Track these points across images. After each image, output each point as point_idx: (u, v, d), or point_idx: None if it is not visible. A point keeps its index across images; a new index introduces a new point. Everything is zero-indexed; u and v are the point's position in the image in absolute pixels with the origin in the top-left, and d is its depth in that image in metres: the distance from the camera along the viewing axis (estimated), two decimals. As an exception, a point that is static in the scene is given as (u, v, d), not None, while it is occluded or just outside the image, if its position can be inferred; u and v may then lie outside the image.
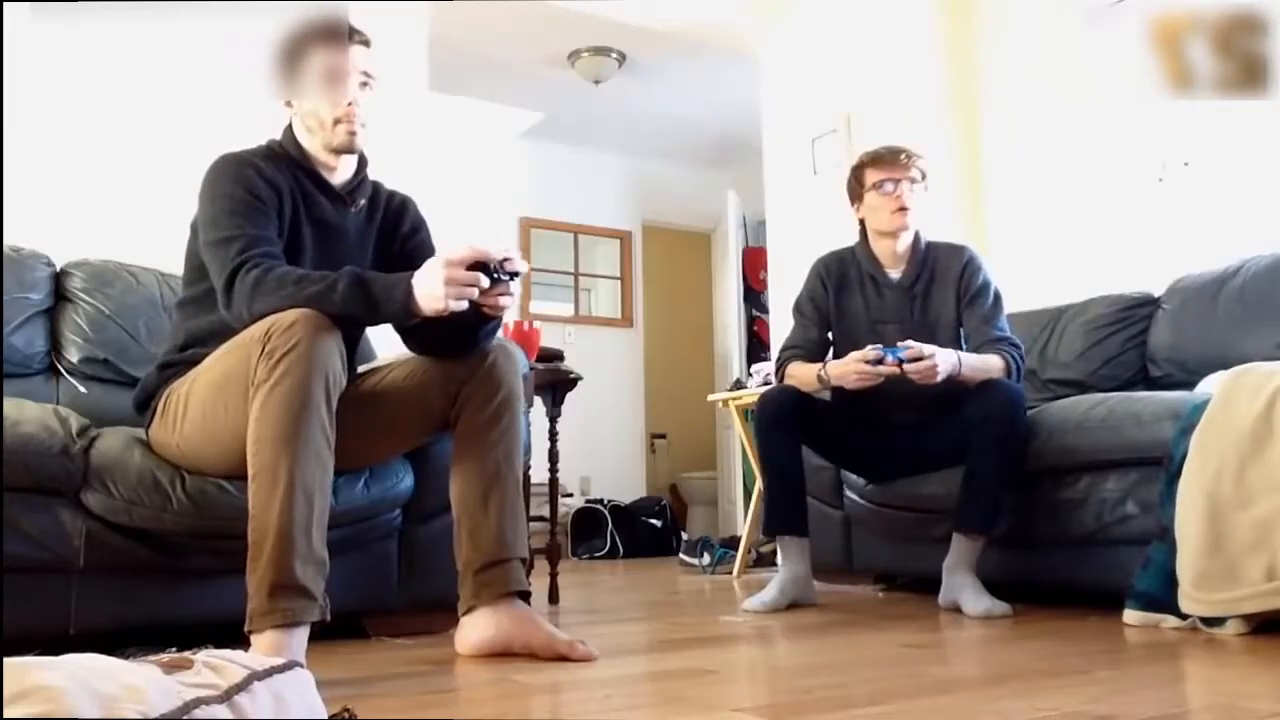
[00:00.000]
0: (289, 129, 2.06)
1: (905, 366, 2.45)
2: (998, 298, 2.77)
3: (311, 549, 1.65)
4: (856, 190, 2.85)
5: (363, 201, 2.12)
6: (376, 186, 2.19)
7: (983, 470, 2.49)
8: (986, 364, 2.61)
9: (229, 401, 1.80)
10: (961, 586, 2.44)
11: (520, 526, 1.97)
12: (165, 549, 1.97)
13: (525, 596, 1.92)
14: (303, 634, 1.62)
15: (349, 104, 1.98)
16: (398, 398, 2.02)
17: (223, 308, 1.88)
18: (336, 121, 1.99)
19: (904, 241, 2.81)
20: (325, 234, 2.05)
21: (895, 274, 2.82)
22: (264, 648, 1.58)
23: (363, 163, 2.13)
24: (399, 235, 2.18)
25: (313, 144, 2.03)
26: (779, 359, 2.90)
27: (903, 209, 2.75)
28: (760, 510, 4.20)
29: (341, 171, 2.08)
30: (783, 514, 2.70)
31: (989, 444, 2.48)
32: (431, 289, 1.74)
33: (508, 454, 1.97)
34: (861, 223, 2.88)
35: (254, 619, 1.60)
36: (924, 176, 2.82)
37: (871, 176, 2.80)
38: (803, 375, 2.75)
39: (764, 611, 2.57)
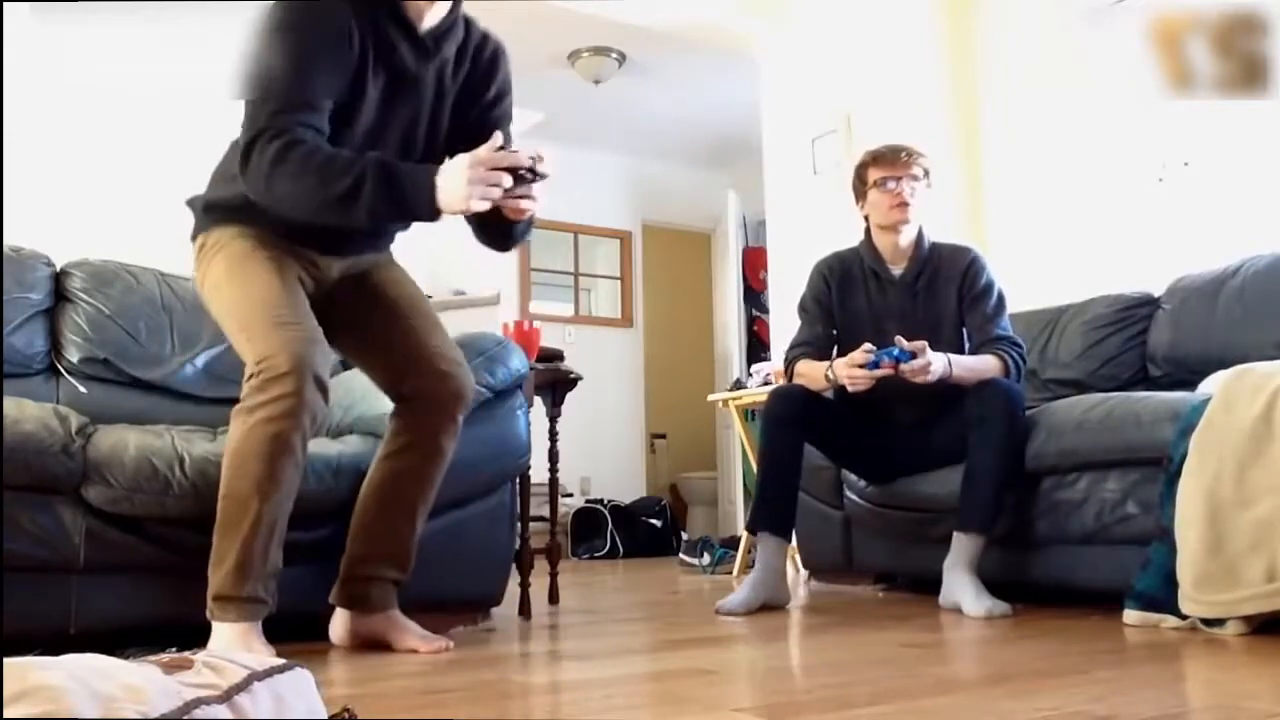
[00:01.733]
0: None
1: (900, 366, 2.47)
2: (1001, 298, 2.77)
3: (267, 567, 1.79)
4: (860, 188, 2.88)
5: (451, 50, 1.95)
6: (470, 29, 2.00)
7: (982, 470, 2.50)
8: (982, 364, 2.62)
9: (233, 337, 1.88)
10: (962, 587, 2.44)
11: (410, 548, 2.02)
12: (167, 544, 1.97)
13: (397, 582, 2.03)
14: (254, 634, 1.78)
15: None
16: (392, 314, 2.05)
17: (239, 170, 1.78)
18: None
19: (906, 237, 2.82)
20: (398, 86, 1.90)
21: (897, 270, 2.83)
22: (223, 636, 1.74)
23: (457, 5, 1.94)
24: (483, 100, 2.03)
25: None
26: (787, 357, 2.90)
27: (903, 204, 2.77)
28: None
29: (433, 14, 1.89)
30: (770, 511, 2.67)
31: (988, 443, 2.48)
32: (455, 188, 1.69)
33: (416, 479, 2.01)
34: (866, 220, 2.89)
35: (212, 613, 1.77)
36: (926, 174, 2.83)
37: (874, 174, 2.82)
38: (811, 373, 2.75)
39: (739, 614, 2.50)
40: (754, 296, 6.58)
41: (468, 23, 2.00)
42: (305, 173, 1.71)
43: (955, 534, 2.51)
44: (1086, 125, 3.71)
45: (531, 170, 1.74)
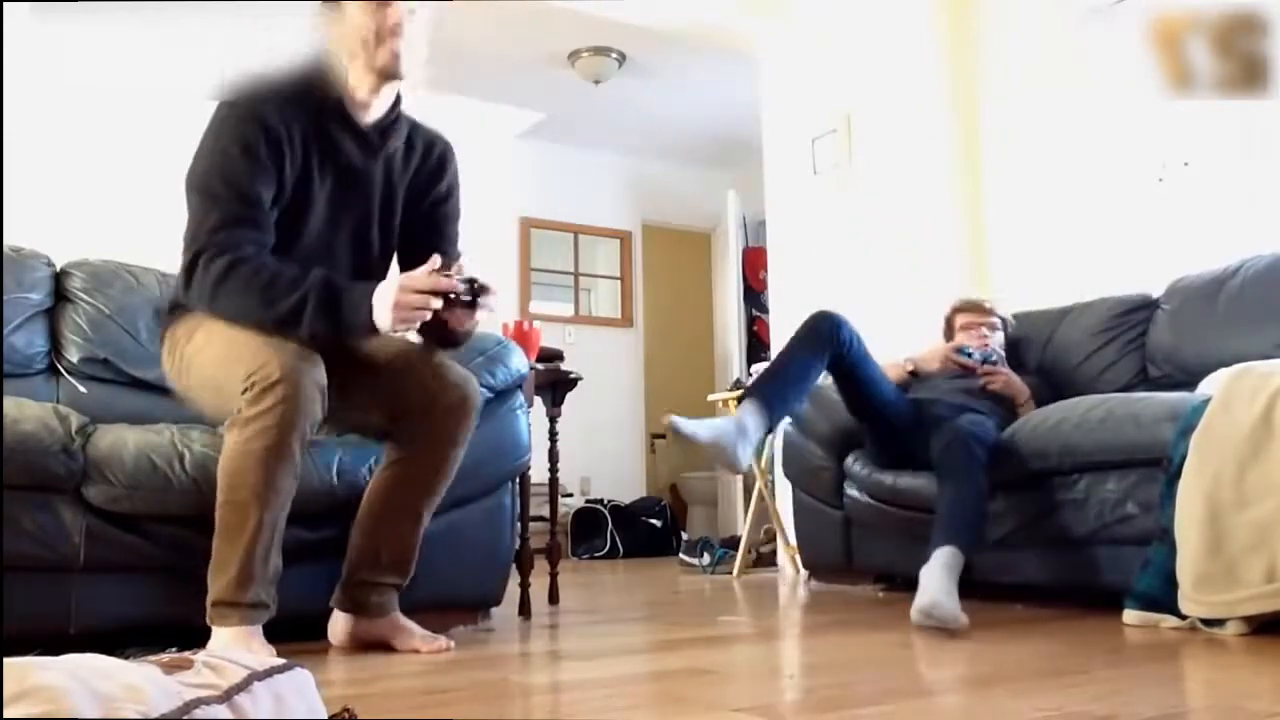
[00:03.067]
0: (317, 60, 1.89)
1: (983, 367, 2.92)
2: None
3: (268, 571, 1.79)
4: (949, 331, 3.27)
5: (397, 145, 1.97)
6: (414, 128, 2.02)
7: (945, 498, 2.46)
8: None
9: (221, 388, 1.82)
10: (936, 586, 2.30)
11: (412, 554, 2.02)
12: (167, 543, 1.97)
13: (398, 586, 2.03)
14: (257, 639, 1.78)
15: (395, 21, 1.82)
16: (384, 372, 2.01)
17: (181, 288, 1.82)
18: (380, 39, 1.81)
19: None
20: (346, 182, 1.93)
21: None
22: (223, 639, 1.73)
23: (399, 101, 1.96)
24: (432, 195, 2.05)
25: (351, 70, 1.86)
26: None
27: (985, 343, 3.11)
28: (757, 509, 4.21)
29: (376, 108, 1.91)
30: (766, 382, 2.57)
31: (946, 477, 2.49)
32: (382, 311, 1.74)
33: (414, 494, 2.00)
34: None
35: (213, 620, 1.76)
36: (1003, 322, 3.23)
37: (960, 320, 3.23)
38: (887, 363, 2.97)
39: (683, 432, 2.40)
40: (754, 296, 6.58)
41: (413, 124, 2.04)
42: (248, 292, 1.76)
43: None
44: (1086, 125, 3.71)
45: (472, 293, 1.77)
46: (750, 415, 2.46)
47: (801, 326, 2.68)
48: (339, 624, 2.02)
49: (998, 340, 3.18)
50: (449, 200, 2.09)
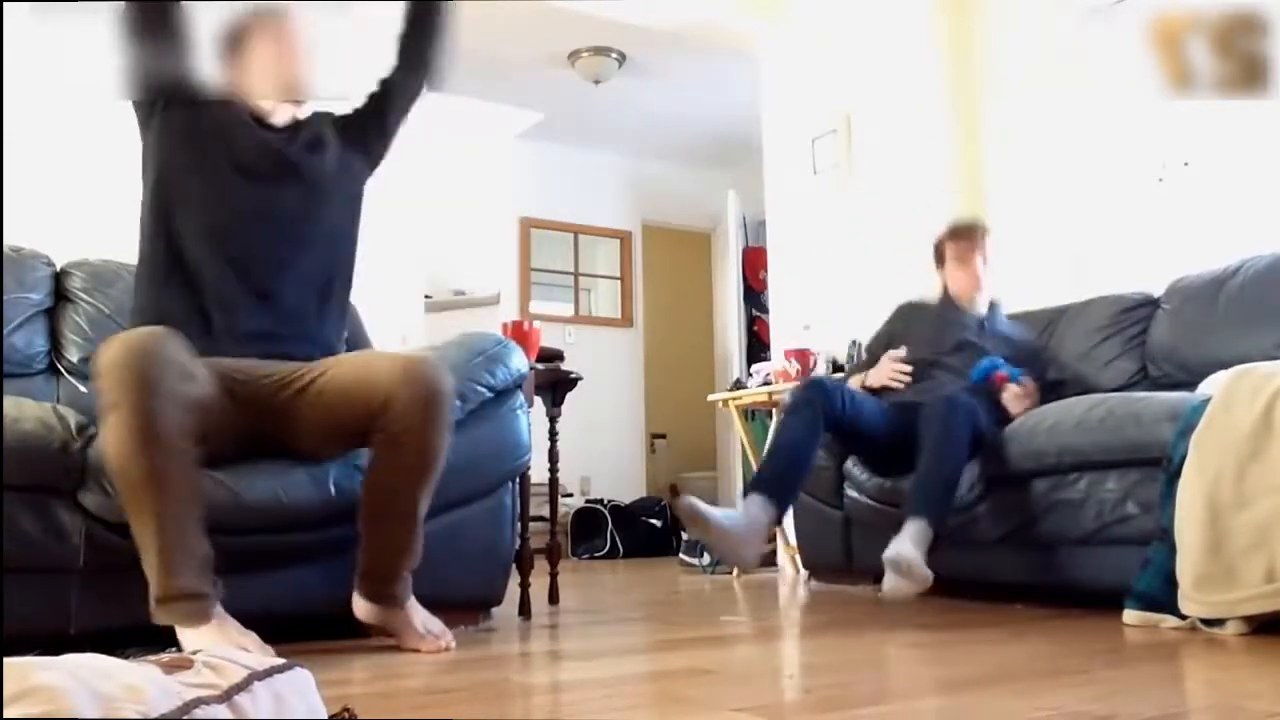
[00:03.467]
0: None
1: (1012, 382, 2.82)
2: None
3: (193, 559, 1.71)
4: (939, 260, 3.18)
5: (309, 136, 2.16)
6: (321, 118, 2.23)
7: (919, 469, 2.59)
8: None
9: None
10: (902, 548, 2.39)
11: (408, 547, 1.99)
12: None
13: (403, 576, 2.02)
14: (220, 620, 1.72)
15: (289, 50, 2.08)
16: (341, 393, 1.98)
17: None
18: (279, 71, 2.06)
19: (981, 304, 3.11)
20: (271, 171, 2.11)
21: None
22: (193, 640, 1.68)
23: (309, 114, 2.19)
24: (350, 132, 2.25)
25: (262, 99, 2.09)
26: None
27: (978, 282, 3.08)
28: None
29: (282, 113, 2.15)
30: (768, 474, 2.60)
31: (924, 448, 2.59)
32: None
33: (402, 483, 1.96)
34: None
35: (157, 617, 1.71)
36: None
37: (951, 250, 3.14)
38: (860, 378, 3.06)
39: (698, 517, 2.40)
40: (754, 296, 6.57)
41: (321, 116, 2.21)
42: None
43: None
44: (1086, 125, 3.71)
45: None
46: (759, 509, 2.51)
47: (792, 403, 2.75)
48: (360, 604, 2.03)
49: (991, 268, 3.08)
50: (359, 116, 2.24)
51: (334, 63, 2.12)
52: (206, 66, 2.06)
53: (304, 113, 2.15)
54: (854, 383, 3.04)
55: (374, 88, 2.23)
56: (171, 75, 2.00)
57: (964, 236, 3.14)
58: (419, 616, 2.02)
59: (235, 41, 2.08)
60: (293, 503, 2.03)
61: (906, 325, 3.17)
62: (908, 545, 2.40)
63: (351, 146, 2.21)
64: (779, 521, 2.71)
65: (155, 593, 1.71)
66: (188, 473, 1.72)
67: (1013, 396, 2.79)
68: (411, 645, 1.98)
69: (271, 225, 2.08)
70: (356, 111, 2.24)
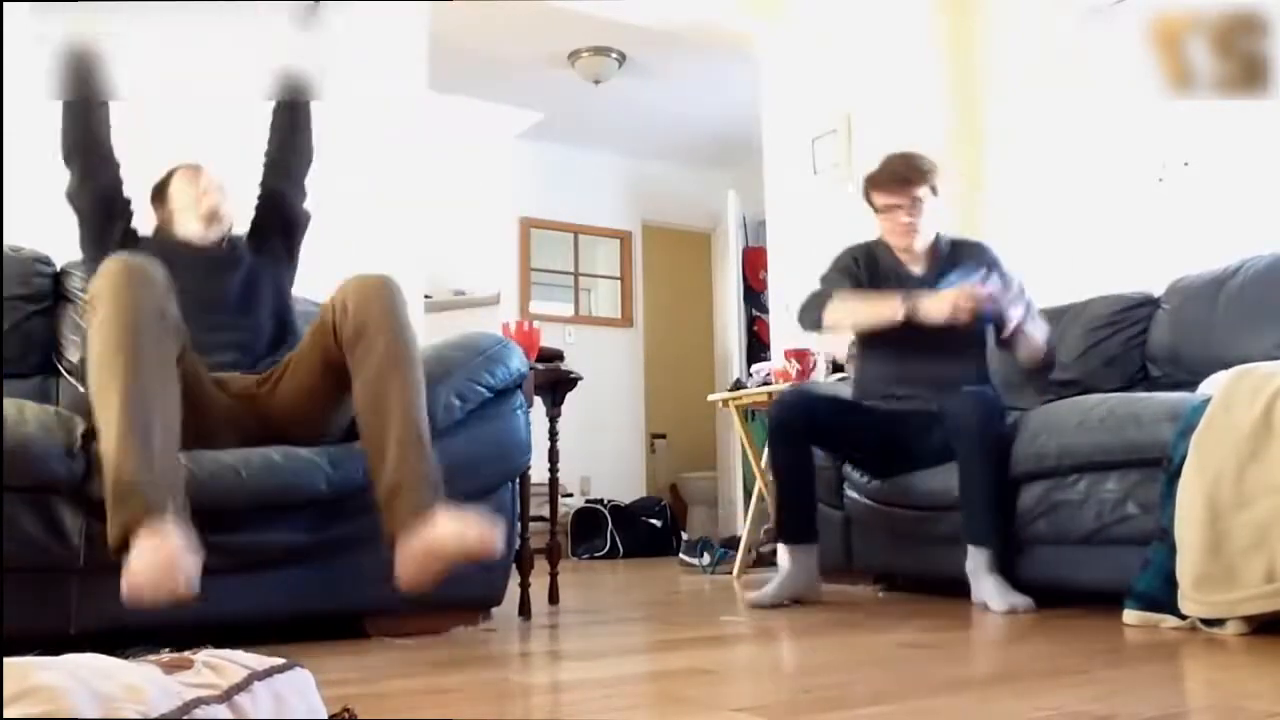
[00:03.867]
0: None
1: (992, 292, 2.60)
2: (1023, 287, 2.82)
3: (147, 451, 1.70)
4: (870, 206, 2.94)
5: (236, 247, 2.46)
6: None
7: (967, 484, 2.57)
8: (1042, 330, 2.76)
9: None
10: (986, 589, 2.48)
11: (413, 447, 1.92)
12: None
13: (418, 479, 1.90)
14: (173, 537, 1.64)
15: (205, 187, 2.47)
16: (307, 344, 2.14)
17: None
18: (199, 202, 2.43)
19: (920, 246, 2.89)
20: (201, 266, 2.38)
21: (917, 270, 2.89)
22: (137, 559, 1.61)
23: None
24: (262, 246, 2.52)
25: (186, 226, 2.44)
26: (816, 292, 2.87)
27: (909, 232, 2.83)
28: (757, 509, 4.21)
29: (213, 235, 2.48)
30: (794, 523, 2.78)
31: (971, 457, 2.56)
32: None
33: (382, 377, 1.96)
34: None
35: (111, 531, 1.66)
36: (933, 190, 2.85)
37: (878, 200, 2.89)
38: (858, 306, 2.79)
39: (766, 605, 2.64)
40: (754, 296, 6.58)
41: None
42: None
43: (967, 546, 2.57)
44: (1086, 125, 3.71)
45: None
46: (804, 555, 2.74)
47: (772, 434, 2.80)
48: (403, 557, 1.84)
49: (929, 211, 2.79)
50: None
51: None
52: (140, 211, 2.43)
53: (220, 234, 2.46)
54: (859, 302, 2.79)
55: (262, 196, 2.53)
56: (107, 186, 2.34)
57: (884, 186, 2.83)
58: (453, 526, 1.83)
59: (160, 189, 2.49)
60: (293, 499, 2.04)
61: (869, 280, 2.88)
62: (989, 588, 2.46)
63: (265, 241, 2.51)
64: (816, 543, 2.79)
65: (109, 491, 1.67)
66: (162, 365, 1.82)
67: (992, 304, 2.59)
68: (471, 555, 1.82)
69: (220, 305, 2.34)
70: (257, 217, 2.53)
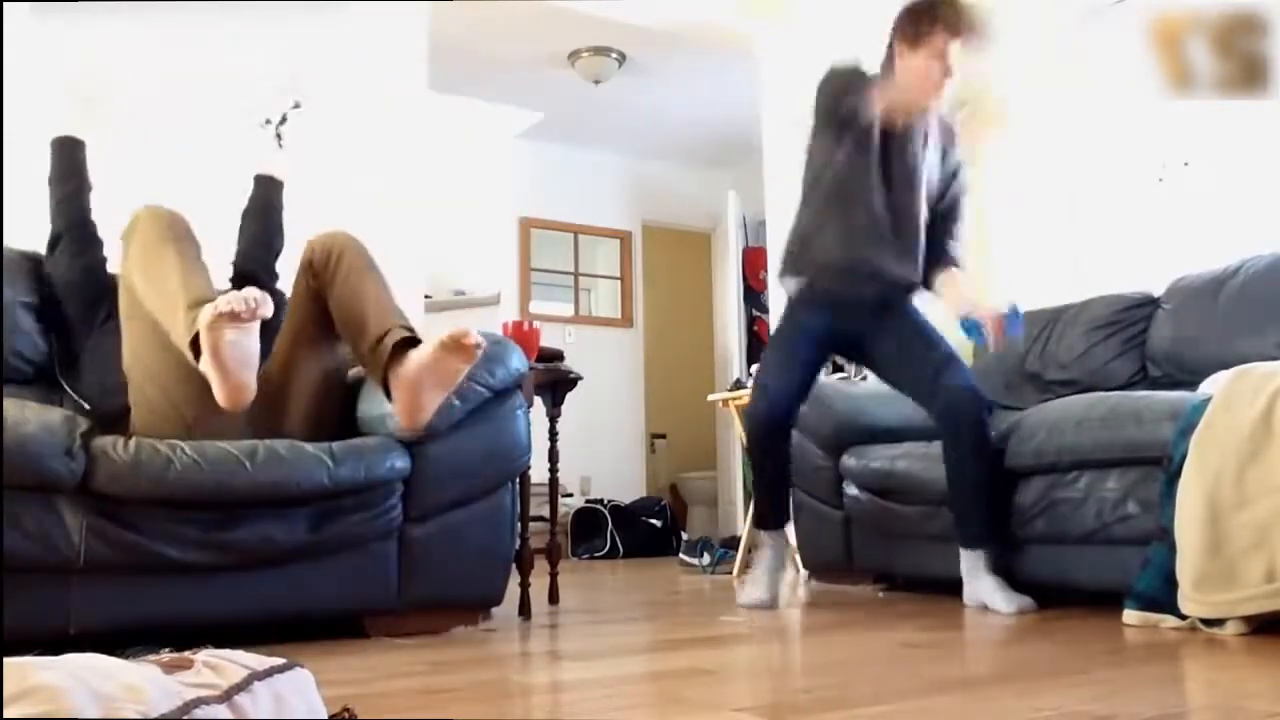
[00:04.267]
0: None
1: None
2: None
3: (203, 280, 2.02)
4: (906, 44, 2.66)
5: None
6: None
7: (958, 488, 2.58)
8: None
9: None
10: (985, 590, 2.49)
11: (390, 308, 2.06)
12: (167, 538, 1.97)
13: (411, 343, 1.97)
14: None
15: None
16: (289, 322, 2.25)
17: None
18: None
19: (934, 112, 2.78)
20: None
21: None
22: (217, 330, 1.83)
23: None
24: None
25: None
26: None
27: (939, 91, 2.55)
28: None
29: None
30: (764, 503, 2.82)
31: (964, 460, 2.57)
32: None
33: (356, 273, 2.12)
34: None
35: (200, 330, 1.83)
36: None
37: (933, 40, 2.56)
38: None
39: (757, 607, 2.65)
40: (754, 296, 6.57)
41: None
42: None
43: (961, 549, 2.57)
44: (1086, 125, 3.71)
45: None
46: (773, 539, 2.79)
47: (750, 435, 2.82)
48: (400, 394, 1.94)
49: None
50: None
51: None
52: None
53: None
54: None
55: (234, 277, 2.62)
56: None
57: (954, 27, 2.47)
58: (432, 342, 1.91)
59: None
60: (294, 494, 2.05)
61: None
62: (988, 588, 2.47)
63: None
64: (786, 526, 2.85)
65: (182, 310, 1.90)
66: (196, 253, 2.09)
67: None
68: (454, 364, 1.91)
69: None
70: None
